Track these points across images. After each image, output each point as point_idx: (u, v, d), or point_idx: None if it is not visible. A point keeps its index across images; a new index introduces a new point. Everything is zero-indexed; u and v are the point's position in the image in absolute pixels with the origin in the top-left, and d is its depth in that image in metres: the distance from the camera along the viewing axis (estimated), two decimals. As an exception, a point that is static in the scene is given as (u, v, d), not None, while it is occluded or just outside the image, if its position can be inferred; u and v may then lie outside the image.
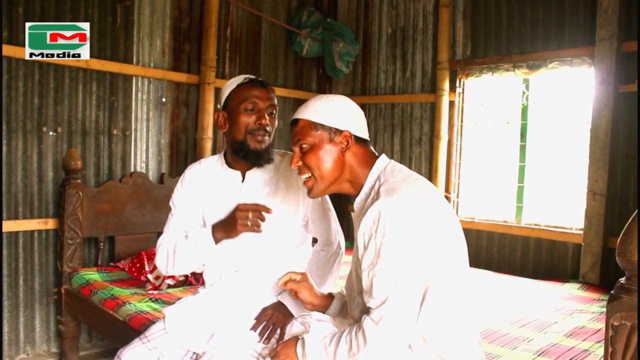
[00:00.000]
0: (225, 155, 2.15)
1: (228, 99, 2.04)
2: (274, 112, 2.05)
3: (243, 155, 2.03)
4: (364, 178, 1.65)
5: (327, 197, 2.16)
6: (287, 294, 2.02)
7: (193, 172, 2.16)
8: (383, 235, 1.46)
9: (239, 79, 2.05)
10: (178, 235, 2.08)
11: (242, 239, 2.04)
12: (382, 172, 1.63)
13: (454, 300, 1.55)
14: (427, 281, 1.50)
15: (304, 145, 1.65)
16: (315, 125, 1.64)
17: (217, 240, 2.00)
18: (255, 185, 2.09)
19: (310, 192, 1.70)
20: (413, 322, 1.49)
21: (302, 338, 1.66)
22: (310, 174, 1.67)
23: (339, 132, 1.63)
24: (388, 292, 1.46)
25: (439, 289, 1.51)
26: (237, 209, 1.96)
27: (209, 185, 2.12)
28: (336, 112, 1.64)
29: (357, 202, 1.67)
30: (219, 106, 2.10)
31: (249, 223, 1.93)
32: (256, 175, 2.09)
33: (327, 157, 1.64)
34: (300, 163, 1.67)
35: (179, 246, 2.04)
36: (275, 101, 2.06)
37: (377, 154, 1.71)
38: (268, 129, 2.01)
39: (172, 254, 2.06)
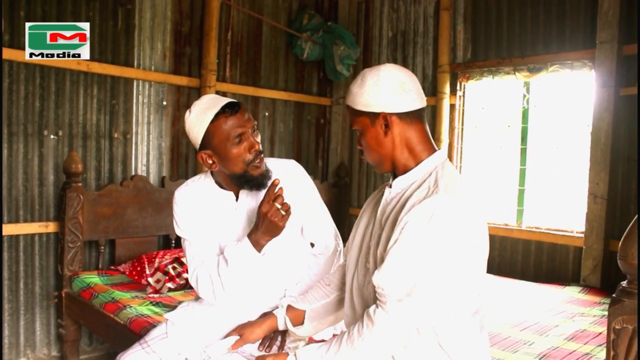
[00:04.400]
0: (212, 175, 2.05)
1: (207, 138, 1.88)
2: (256, 127, 1.96)
3: (246, 185, 1.96)
4: (413, 160, 1.58)
5: (320, 200, 2.16)
6: (289, 300, 1.99)
7: (183, 194, 2.04)
8: (434, 235, 1.40)
9: (208, 114, 1.87)
10: (211, 260, 1.97)
11: None
12: (441, 164, 1.56)
13: (473, 305, 1.53)
14: (455, 286, 1.45)
15: (356, 131, 1.63)
16: (355, 112, 1.60)
17: (261, 247, 1.91)
18: (250, 201, 2.02)
19: (375, 169, 1.67)
20: (423, 324, 1.45)
21: (295, 352, 1.59)
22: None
23: (376, 115, 1.56)
24: (412, 289, 1.41)
25: (463, 293, 1.48)
26: (262, 209, 1.85)
27: (201, 206, 2.03)
28: (369, 95, 1.55)
29: (400, 183, 1.58)
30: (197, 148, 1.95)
31: (283, 212, 1.86)
32: (250, 193, 2.02)
33: (373, 143, 1.59)
34: (359, 147, 1.66)
35: (222, 270, 1.92)
36: (251, 116, 1.94)
37: (429, 133, 1.63)
38: (261, 149, 1.94)
39: (218, 279, 1.92)
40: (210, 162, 1.92)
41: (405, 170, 1.58)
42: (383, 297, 1.44)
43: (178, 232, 2.05)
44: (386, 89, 1.54)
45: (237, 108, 1.89)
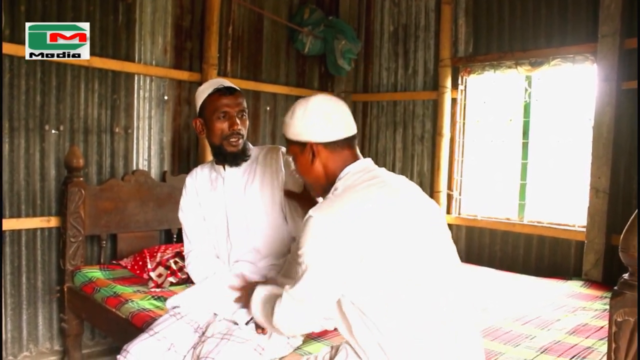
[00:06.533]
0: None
1: (202, 108, 2.24)
2: (245, 114, 2.24)
3: (222, 158, 2.27)
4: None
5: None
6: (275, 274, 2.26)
7: (190, 177, 2.42)
8: (304, 243, 1.55)
9: (209, 89, 2.23)
10: (206, 259, 2.34)
11: (236, 232, 2.30)
12: (343, 179, 1.68)
13: (410, 311, 1.52)
14: (368, 290, 1.53)
15: (291, 155, 1.80)
16: (288, 140, 1.76)
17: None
18: (236, 176, 2.31)
19: (313, 194, 1.86)
20: (312, 316, 1.61)
21: (257, 287, 1.88)
22: None
23: (304, 144, 1.70)
24: (301, 276, 1.57)
25: (389, 296, 1.52)
26: None
27: (203, 186, 2.37)
28: (297, 126, 1.70)
29: None
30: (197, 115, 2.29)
31: None
32: (236, 169, 2.31)
33: (303, 169, 1.76)
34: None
35: (203, 280, 2.30)
36: (245, 104, 2.25)
37: (359, 156, 1.74)
38: (241, 132, 2.22)
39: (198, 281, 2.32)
40: (200, 129, 2.27)
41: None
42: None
43: (179, 215, 2.41)
44: (312, 120, 1.68)
45: (232, 91, 2.22)
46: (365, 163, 1.72)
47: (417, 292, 1.52)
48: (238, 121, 2.20)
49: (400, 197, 1.63)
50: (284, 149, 2.30)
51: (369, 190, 1.59)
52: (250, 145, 2.34)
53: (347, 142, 1.71)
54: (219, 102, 2.18)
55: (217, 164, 2.33)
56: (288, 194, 2.28)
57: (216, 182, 2.34)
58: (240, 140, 2.23)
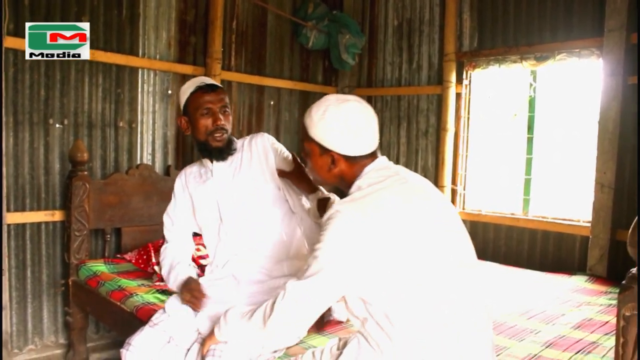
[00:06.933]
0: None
1: (186, 106, 2.28)
2: (227, 109, 2.29)
3: (208, 154, 2.32)
4: (348, 187, 1.72)
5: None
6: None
7: (180, 178, 2.48)
8: (326, 237, 1.54)
9: (191, 87, 2.28)
10: (174, 253, 2.39)
11: (228, 225, 2.33)
12: (365, 176, 1.67)
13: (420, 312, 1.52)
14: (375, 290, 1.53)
15: (305, 147, 1.76)
16: (309, 136, 1.72)
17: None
18: (223, 168, 2.34)
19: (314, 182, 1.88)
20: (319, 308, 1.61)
21: (222, 316, 1.84)
22: None
23: (327, 150, 1.69)
24: (312, 273, 1.55)
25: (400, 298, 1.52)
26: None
27: (192, 182, 2.42)
28: (325, 131, 1.67)
29: None
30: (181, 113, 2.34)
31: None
32: (223, 162, 2.34)
33: (317, 168, 1.76)
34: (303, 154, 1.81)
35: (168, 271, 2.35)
36: (227, 99, 2.30)
37: (378, 154, 1.74)
38: (225, 127, 2.26)
39: (167, 274, 2.35)
40: (185, 126, 2.31)
41: (349, 188, 1.72)
42: (300, 272, 1.60)
43: (164, 217, 2.47)
44: (341, 130, 1.66)
45: (214, 88, 2.27)
46: (384, 160, 1.73)
47: (418, 292, 1.51)
48: (221, 116, 2.25)
49: (419, 196, 1.63)
50: (267, 135, 2.42)
51: (393, 189, 1.60)
52: (235, 139, 2.38)
53: (371, 154, 1.72)
54: (201, 99, 2.23)
55: (203, 157, 2.38)
56: (280, 174, 2.32)
57: (205, 176, 2.39)
58: (225, 135, 2.28)
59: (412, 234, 1.55)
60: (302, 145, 1.79)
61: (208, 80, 2.32)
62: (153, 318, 2.22)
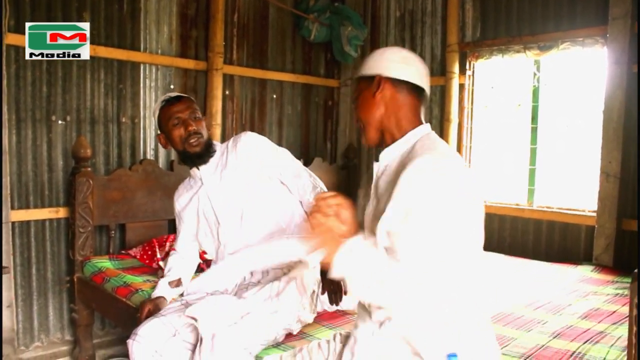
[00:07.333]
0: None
1: (159, 122, 2.39)
2: (197, 115, 2.38)
3: (190, 162, 2.40)
4: (399, 131, 1.58)
5: (291, 156, 2.50)
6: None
7: (176, 196, 2.58)
8: (417, 191, 1.37)
9: (159, 104, 2.39)
10: (175, 262, 2.55)
11: (226, 226, 2.41)
12: (427, 135, 1.57)
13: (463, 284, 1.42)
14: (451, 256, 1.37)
15: (354, 95, 1.68)
16: (358, 79, 1.66)
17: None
18: (210, 171, 2.42)
19: (364, 140, 1.67)
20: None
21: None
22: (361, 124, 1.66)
23: (372, 78, 1.60)
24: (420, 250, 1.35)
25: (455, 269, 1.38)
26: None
27: (186, 195, 2.52)
28: (372, 60, 1.62)
29: (387, 155, 1.60)
30: (158, 131, 2.44)
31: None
32: (208, 165, 2.42)
33: (363, 105, 1.62)
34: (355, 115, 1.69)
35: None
36: (195, 106, 2.39)
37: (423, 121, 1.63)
38: (199, 131, 2.35)
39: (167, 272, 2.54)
40: (164, 142, 2.42)
41: (392, 141, 1.59)
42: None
43: (177, 222, 2.62)
44: (388, 56, 1.61)
45: (179, 98, 2.38)
46: (428, 127, 1.62)
47: (465, 270, 1.42)
48: (192, 122, 2.33)
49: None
50: (252, 133, 2.47)
51: (455, 153, 1.53)
52: (216, 142, 2.48)
53: (416, 93, 1.60)
54: (170, 111, 2.34)
55: (190, 168, 2.46)
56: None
57: (196, 186, 2.48)
58: (201, 139, 2.35)
59: (478, 212, 1.45)
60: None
61: (173, 94, 2.43)
62: (162, 311, 2.24)
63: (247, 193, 2.37)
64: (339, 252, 1.36)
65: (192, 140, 2.32)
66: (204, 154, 2.37)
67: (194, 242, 2.58)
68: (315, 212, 1.40)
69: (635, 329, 1.12)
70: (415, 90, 1.60)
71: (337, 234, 1.37)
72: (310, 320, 2.27)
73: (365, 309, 1.57)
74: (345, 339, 1.70)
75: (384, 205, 1.45)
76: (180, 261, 2.55)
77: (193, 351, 2.03)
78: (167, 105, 2.36)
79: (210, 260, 3.04)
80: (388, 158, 1.59)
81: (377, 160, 1.62)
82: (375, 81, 1.58)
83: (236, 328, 1.96)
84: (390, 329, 1.49)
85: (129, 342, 2.10)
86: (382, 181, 1.57)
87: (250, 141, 2.42)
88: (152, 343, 2.07)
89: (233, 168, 2.39)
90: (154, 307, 2.33)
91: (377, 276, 1.34)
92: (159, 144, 2.53)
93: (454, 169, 1.42)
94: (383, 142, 1.62)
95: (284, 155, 2.49)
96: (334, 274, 1.38)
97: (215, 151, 2.42)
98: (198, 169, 2.41)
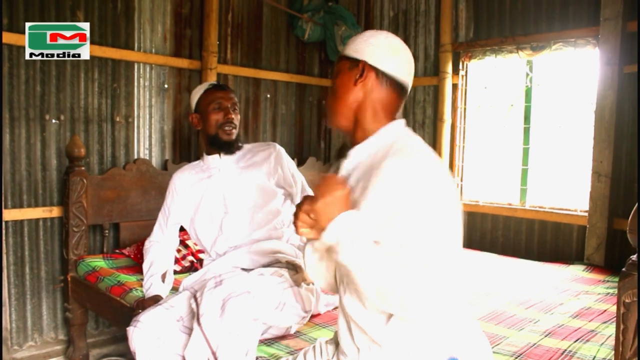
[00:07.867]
0: (203, 155, 2.63)
1: (198, 103, 2.52)
2: (237, 108, 2.53)
3: (218, 147, 2.51)
4: (373, 126, 1.50)
5: (301, 179, 2.64)
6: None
7: (180, 176, 2.62)
8: (415, 194, 1.29)
9: (204, 86, 2.54)
10: (158, 253, 2.62)
11: (233, 217, 2.49)
12: (405, 133, 1.50)
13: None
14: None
15: (334, 71, 1.56)
16: (340, 58, 1.55)
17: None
18: (231, 163, 2.55)
19: (326, 120, 1.61)
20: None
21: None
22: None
23: (356, 62, 1.49)
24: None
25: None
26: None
27: (196, 178, 2.57)
28: (360, 43, 1.51)
29: (360, 151, 1.50)
30: (192, 111, 2.57)
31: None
32: (230, 156, 2.55)
33: (341, 88, 1.52)
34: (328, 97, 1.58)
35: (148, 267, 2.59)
36: (236, 99, 2.55)
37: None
38: (234, 122, 2.49)
39: (147, 269, 2.59)
40: (196, 122, 2.53)
41: (363, 137, 1.50)
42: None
43: (161, 211, 2.68)
44: (378, 43, 1.50)
45: (225, 87, 2.56)
46: (403, 122, 1.53)
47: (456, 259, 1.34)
48: (231, 112, 2.48)
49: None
50: (281, 147, 2.62)
51: (433, 152, 1.42)
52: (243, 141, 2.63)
53: (398, 89, 1.52)
54: (214, 95, 2.48)
55: (211, 154, 2.56)
56: None
57: (209, 172, 2.56)
58: (234, 130, 2.50)
59: (456, 207, 1.37)
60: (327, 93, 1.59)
61: (219, 83, 2.60)
62: (164, 299, 2.28)
63: (260, 193, 2.50)
64: (335, 219, 1.31)
65: (226, 128, 2.47)
66: (233, 144, 2.52)
67: (176, 226, 2.65)
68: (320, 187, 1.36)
69: (622, 326, 1.14)
70: (398, 86, 1.52)
71: (338, 206, 1.32)
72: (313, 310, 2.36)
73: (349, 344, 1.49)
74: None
75: (356, 202, 1.39)
76: (161, 252, 2.62)
77: None
78: (213, 90, 2.51)
79: (202, 260, 3.06)
80: (361, 155, 1.50)
81: (344, 157, 1.54)
82: (359, 67, 1.49)
83: (247, 297, 1.90)
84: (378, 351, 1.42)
85: (129, 329, 2.08)
86: (353, 178, 1.47)
87: (282, 155, 2.59)
88: (154, 330, 2.07)
89: (254, 168, 2.53)
90: (154, 303, 2.32)
91: (371, 236, 1.29)
92: (190, 123, 2.61)
93: (440, 171, 1.36)
94: (350, 133, 1.54)
95: (300, 177, 2.66)
96: (326, 238, 1.32)
97: (242, 146, 2.58)
98: (220, 156, 2.53)
